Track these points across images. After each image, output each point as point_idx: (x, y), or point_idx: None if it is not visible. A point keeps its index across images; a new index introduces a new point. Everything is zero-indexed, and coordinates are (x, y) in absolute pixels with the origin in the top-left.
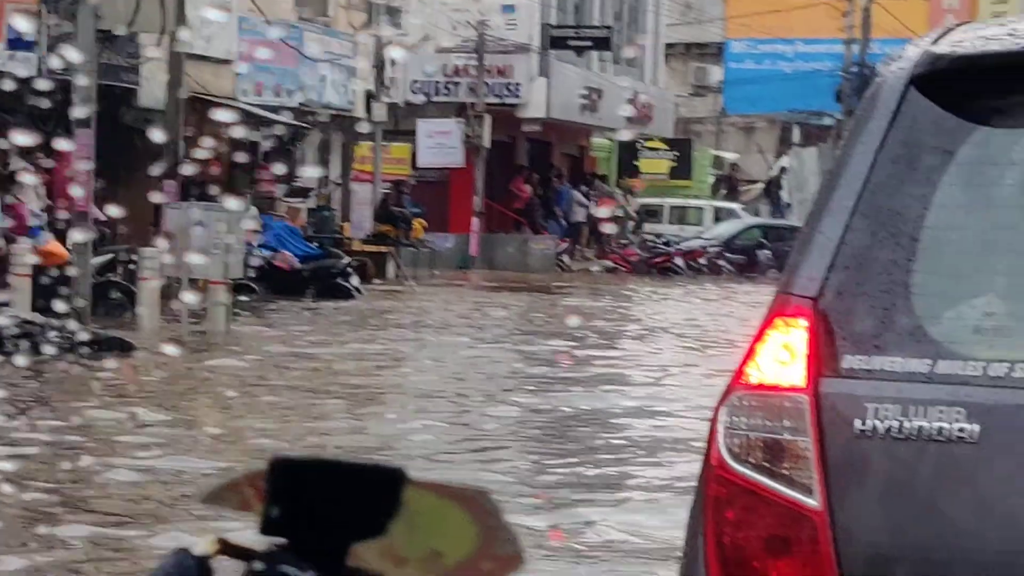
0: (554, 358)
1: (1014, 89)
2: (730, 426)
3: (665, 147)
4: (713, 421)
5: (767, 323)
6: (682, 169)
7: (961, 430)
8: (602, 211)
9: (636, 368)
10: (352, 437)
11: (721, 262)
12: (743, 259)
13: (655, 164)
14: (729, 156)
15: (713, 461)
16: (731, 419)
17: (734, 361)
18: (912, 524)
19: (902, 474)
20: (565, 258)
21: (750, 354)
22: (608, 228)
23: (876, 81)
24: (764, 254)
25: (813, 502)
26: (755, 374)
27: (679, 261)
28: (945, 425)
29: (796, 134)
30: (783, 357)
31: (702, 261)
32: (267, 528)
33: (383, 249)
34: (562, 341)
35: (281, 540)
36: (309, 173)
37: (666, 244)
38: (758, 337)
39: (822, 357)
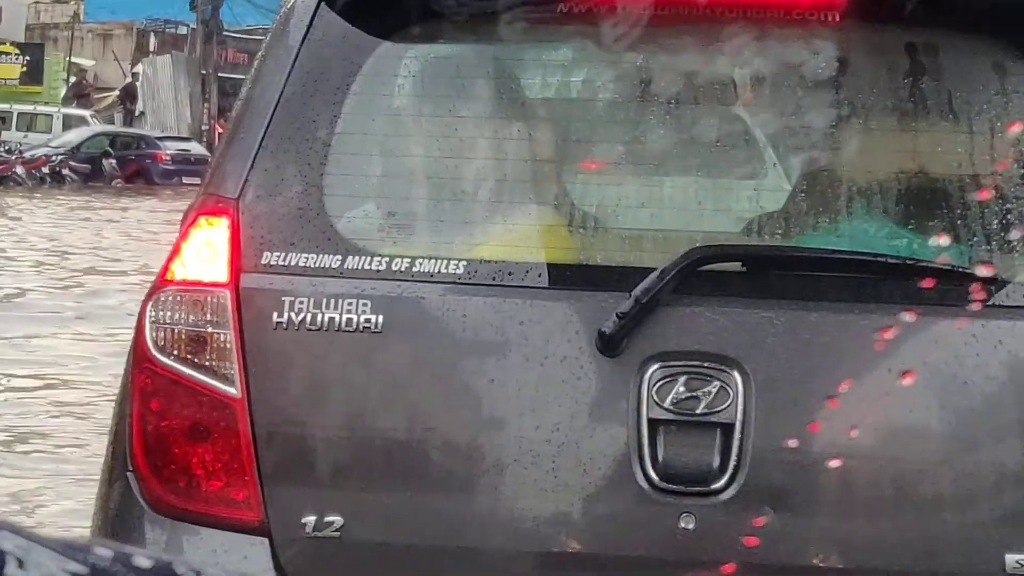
0: None
1: (406, 9)
2: (156, 320)
3: (16, 52)
4: (140, 316)
5: (192, 222)
6: (33, 75)
7: (367, 321)
8: None
9: None
10: None
11: (65, 171)
12: (88, 168)
13: (6, 69)
14: (85, 63)
15: (139, 353)
16: (157, 314)
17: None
18: (326, 408)
19: (316, 363)
20: None
21: (176, 252)
22: None
23: None
24: (110, 163)
25: (233, 390)
26: (180, 270)
27: (19, 170)
28: (353, 316)
29: (152, 42)
30: (206, 254)
31: (45, 170)
32: None
33: None
34: None
35: None
36: None
37: (8, 152)
38: (183, 235)
39: (243, 254)
